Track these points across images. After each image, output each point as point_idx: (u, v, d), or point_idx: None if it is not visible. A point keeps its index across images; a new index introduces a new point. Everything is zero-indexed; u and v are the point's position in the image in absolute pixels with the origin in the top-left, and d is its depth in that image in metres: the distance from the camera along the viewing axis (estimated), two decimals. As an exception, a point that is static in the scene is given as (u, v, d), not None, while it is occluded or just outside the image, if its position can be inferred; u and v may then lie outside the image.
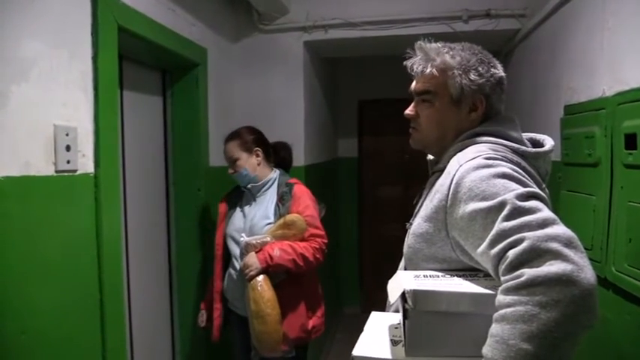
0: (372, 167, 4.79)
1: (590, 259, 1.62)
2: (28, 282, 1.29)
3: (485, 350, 0.82)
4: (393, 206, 4.61)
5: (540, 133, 1.22)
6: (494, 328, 0.82)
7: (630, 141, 1.43)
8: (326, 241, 2.11)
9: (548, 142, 1.16)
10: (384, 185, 4.78)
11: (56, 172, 1.39)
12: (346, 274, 4.76)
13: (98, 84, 1.55)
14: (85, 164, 1.51)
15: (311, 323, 2.13)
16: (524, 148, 1.09)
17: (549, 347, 0.76)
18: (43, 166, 1.34)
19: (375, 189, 4.80)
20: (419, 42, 1.19)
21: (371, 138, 4.77)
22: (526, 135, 1.20)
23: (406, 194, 4.56)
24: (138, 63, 2.22)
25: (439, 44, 1.19)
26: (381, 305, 1.28)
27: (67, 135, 1.41)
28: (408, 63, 1.20)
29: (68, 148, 1.42)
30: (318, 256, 2.05)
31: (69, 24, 1.46)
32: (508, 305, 0.80)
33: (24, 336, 1.26)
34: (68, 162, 1.42)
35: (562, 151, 1.98)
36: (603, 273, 1.57)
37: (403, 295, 0.94)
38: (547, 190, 1.10)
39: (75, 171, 1.46)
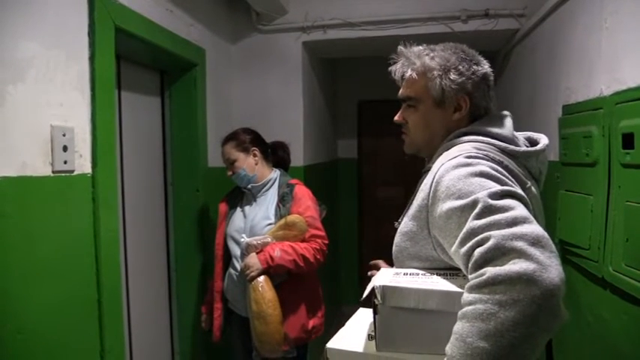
0: (371, 168, 4.78)
1: (588, 259, 1.64)
2: (25, 282, 1.29)
3: (447, 347, 0.82)
4: (393, 207, 4.56)
5: (538, 133, 1.20)
6: (456, 326, 0.82)
7: (628, 140, 1.43)
8: (326, 241, 2.12)
9: (542, 142, 1.15)
10: (383, 186, 4.77)
11: (53, 172, 1.39)
12: (346, 273, 4.76)
13: (95, 84, 1.55)
14: (83, 164, 1.51)
15: (311, 323, 2.14)
16: (511, 147, 1.07)
17: (506, 347, 0.75)
18: (40, 167, 1.34)
19: (375, 189, 4.80)
20: (400, 47, 1.19)
21: (370, 139, 4.76)
22: (523, 134, 1.20)
23: (406, 195, 4.53)
24: (136, 63, 2.22)
25: (421, 47, 1.19)
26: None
27: (64, 135, 1.41)
28: (392, 68, 1.21)
29: (65, 148, 1.42)
30: (318, 256, 2.06)
31: (66, 25, 1.46)
32: (470, 303, 0.80)
33: (20, 336, 1.26)
34: (65, 162, 1.42)
35: (560, 151, 1.98)
36: (601, 272, 1.57)
37: (374, 291, 0.95)
38: (534, 190, 1.08)
39: (72, 171, 1.46)
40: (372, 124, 4.71)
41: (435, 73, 1.13)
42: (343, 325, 1.15)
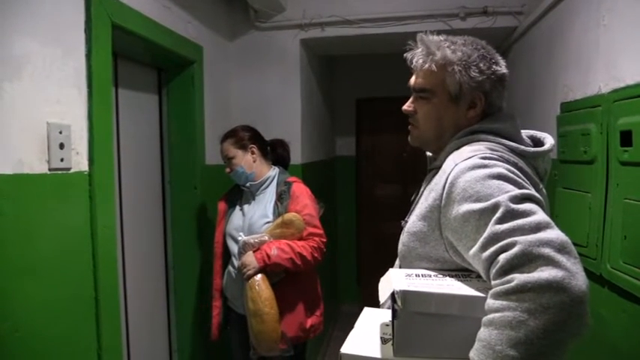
0: (369, 166, 4.79)
1: (586, 257, 1.65)
2: (22, 280, 1.28)
3: (472, 354, 0.81)
4: (391, 204, 4.62)
5: (537, 131, 1.19)
6: (482, 333, 0.80)
7: (626, 138, 1.43)
8: (324, 240, 2.11)
9: (548, 141, 1.13)
10: (382, 183, 4.78)
11: (50, 170, 1.38)
12: (344, 272, 4.76)
13: (92, 81, 1.54)
14: (79, 162, 1.50)
15: (309, 322, 2.13)
16: (522, 147, 1.06)
17: (536, 354, 0.74)
18: (36, 164, 1.33)
19: (373, 187, 4.80)
20: (420, 34, 1.15)
21: (369, 136, 4.77)
22: (527, 132, 1.18)
23: (404, 192, 4.57)
24: (133, 61, 2.21)
25: (441, 37, 1.15)
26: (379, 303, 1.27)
27: (60, 133, 1.40)
28: (408, 55, 1.16)
29: (62, 145, 1.41)
30: (316, 255, 2.05)
31: (62, 21, 1.45)
32: (497, 310, 0.79)
33: (18, 334, 1.26)
34: (62, 160, 1.41)
35: (558, 149, 1.98)
36: (599, 270, 1.57)
37: (393, 295, 0.93)
38: (544, 191, 1.08)
39: (69, 169, 1.45)
40: (370, 121, 4.71)
41: (455, 67, 1.09)
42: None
